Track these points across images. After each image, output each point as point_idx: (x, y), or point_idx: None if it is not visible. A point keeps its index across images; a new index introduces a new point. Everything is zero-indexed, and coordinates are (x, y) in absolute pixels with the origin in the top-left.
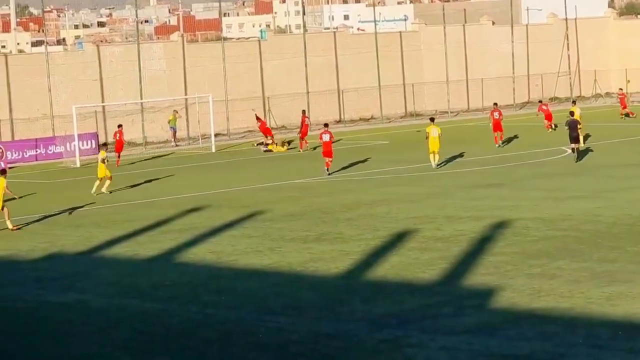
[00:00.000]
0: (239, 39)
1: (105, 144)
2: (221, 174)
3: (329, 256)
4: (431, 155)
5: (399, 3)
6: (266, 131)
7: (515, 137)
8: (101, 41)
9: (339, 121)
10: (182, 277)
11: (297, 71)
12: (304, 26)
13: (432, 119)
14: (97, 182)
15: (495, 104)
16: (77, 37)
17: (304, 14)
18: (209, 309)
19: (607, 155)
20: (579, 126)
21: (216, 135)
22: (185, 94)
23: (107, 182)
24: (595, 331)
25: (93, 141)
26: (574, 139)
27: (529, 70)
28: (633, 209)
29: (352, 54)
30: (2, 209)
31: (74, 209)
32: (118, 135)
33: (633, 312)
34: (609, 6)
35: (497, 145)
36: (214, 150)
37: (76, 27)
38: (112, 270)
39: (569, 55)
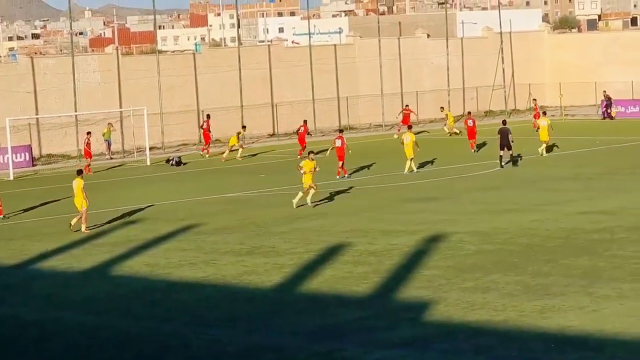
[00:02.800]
0: (174, 51)
1: (81, 171)
2: (156, 187)
3: (263, 269)
4: (407, 162)
5: (333, 16)
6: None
7: (451, 150)
8: (35, 53)
9: (273, 135)
10: (117, 289)
11: (232, 84)
12: (239, 39)
13: (409, 127)
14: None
15: (469, 112)
16: (10, 49)
17: (238, 27)
18: (144, 321)
19: (542, 168)
20: (510, 136)
21: (151, 148)
22: (120, 107)
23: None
24: (528, 344)
25: (27, 154)
26: (504, 146)
27: (464, 84)
28: (567, 222)
29: (286, 67)
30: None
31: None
32: (86, 142)
33: (566, 325)
34: (543, 20)
35: (472, 151)
36: (148, 163)
37: (10, 39)
38: (46, 283)
39: (503, 69)
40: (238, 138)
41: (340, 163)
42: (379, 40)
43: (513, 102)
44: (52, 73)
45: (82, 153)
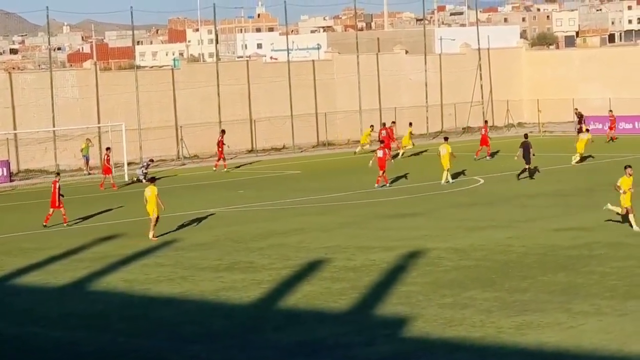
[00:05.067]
0: (152, 67)
1: (154, 178)
2: (134, 202)
3: (241, 285)
4: (444, 173)
5: (312, 32)
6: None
7: (428, 166)
8: (13, 68)
9: (251, 150)
10: (94, 305)
11: (210, 100)
12: (217, 55)
13: (445, 138)
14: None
15: (486, 121)
16: None
17: (217, 42)
18: (122, 337)
19: (520, 185)
20: (531, 150)
21: (129, 163)
22: (98, 122)
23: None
24: None
25: (4, 169)
26: (527, 159)
27: (442, 100)
28: (545, 239)
29: (264, 82)
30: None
31: None
32: (106, 158)
33: (544, 341)
34: (521, 37)
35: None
36: (126, 179)
37: None
38: (23, 298)
39: (481, 85)
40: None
41: (382, 172)
42: (357, 56)
43: (491, 119)
44: (30, 88)
45: (102, 169)
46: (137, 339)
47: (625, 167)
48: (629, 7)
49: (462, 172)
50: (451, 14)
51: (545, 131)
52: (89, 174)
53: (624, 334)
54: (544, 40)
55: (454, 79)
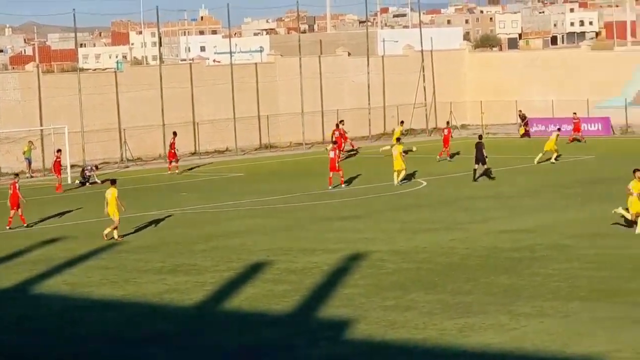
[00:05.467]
0: (95, 70)
1: (115, 180)
2: (78, 205)
3: (184, 287)
4: (394, 174)
5: (255, 34)
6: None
7: (372, 169)
8: None
9: (194, 153)
10: (37, 309)
11: (153, 103)
12: (160, 57)
13: (398, 139)
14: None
15: (448, 122)
16: None
17: (160, 45)
18: (64, 341)
19: (461, 187)
20: (484, 151)
21: (72, 166)
22: (41, 125)
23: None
24: None
25: None
26: (478, 160)
27: (385, 102)
28: (487, 241)
29: (208, 85)
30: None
31: None
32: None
33: (486, 343)
34: (465, 39)
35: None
36: (69, 181)
37: None
38: None
39: (424, 87)
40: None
41: (332, 173)
42: (300, 59)
43: (434, 121)
44: None
45: (53, 170)
46: (79, 342)
47: (635, 171)
48: (571, 10)
49: (413, 174)
50: (394, 16)
51: (488, 133)
52: (32, 176)
53: (566, 335)
54: (487, 42)
55: (397, 80)
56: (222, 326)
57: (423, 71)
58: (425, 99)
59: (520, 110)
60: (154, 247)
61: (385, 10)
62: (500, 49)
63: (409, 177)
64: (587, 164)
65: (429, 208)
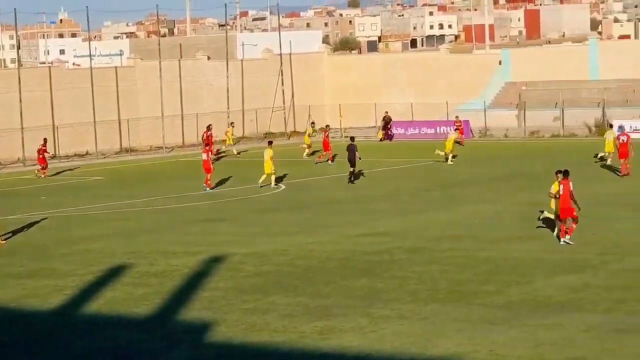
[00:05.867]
0: None
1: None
2: None
3: (43, 292)
4: (263, 176)
5: (115, 38)
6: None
7: (234, 172)
8: None
9: (54, 157)
10: None
11: (12, 106)
12: (19, 60)
13: (269, 142)
14: None
15: (327, 125)
16: None
17: (18, 47)
18: None
19: (322, 190)
20: (357, 153)
21: None
22: None
23: None
24: None
25: None
26: (351, 162)
27: (244, 105)
28: (346, 244)
29: (67, 88)
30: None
31: None
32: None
33: (346, 346)
34: (324, 42)
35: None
36: None
37: None
38: None
39: (283, 90)
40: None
41: (209, 175)
42: (160, 63)
43: (293, 124)
44: None
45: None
46: None
47: (556, 173)
48: (430, 13)
49: (282, 177)
50: (254, 20)
51: (347, 136)
52: None
53: (424, 337)
54: (347, 45)
55: (256, 84)
56: (81, 330)
57: (282, 75)
58: (284, 103)
59: (387, 112)
60: (13, 252)
61: (244, 14)
62: (360, 52)
63: (278, 179)
64: (445, 166)
65: (289, 211)
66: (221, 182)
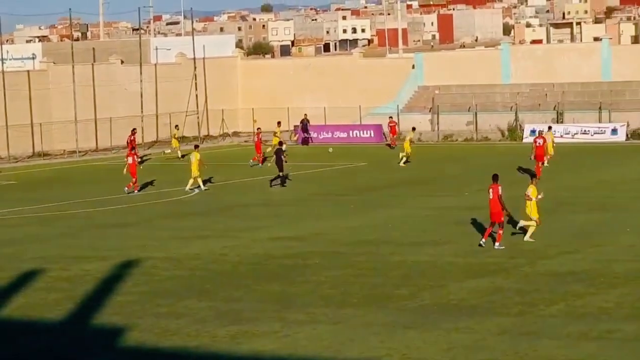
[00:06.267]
0: None
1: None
2: None
3: None
4: (191, 180)
5: (27, 41)
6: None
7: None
8: None
9: None
10: None
11: None
12: None
13: (195, 146)
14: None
15: (259, 128)
16: None
17: None
18: None
19: (234, 195)
20: (283, 157)
21: None
22: None
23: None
24: None
25: None
26: (278, 166)
27: (158, 110)
28: (259, 249)
29: None
30: None
31: None
32: None
33: (259, 350)
34: (237, 46)
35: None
36: None
37: None
38: None
39: (196, 95)
40: None
41: (135, 179)
42: (73, 67)
43: (206, 128)
44: None
45: None
46: None
47: (531, 177)
48: (344, 17)
49: (209, 180)
50: (167, 24)
51: (265, 140)
52: None
53: (337, 341)
54: (260, 49)
55: (170, 88)
56: None
57: (195, 79)
58: (197, 107)
59: (305, 115)
60: None
61: (158, 18)
62: (273, 57)
63: (204, 183)
64: (360, 171)
65: (202, 215)
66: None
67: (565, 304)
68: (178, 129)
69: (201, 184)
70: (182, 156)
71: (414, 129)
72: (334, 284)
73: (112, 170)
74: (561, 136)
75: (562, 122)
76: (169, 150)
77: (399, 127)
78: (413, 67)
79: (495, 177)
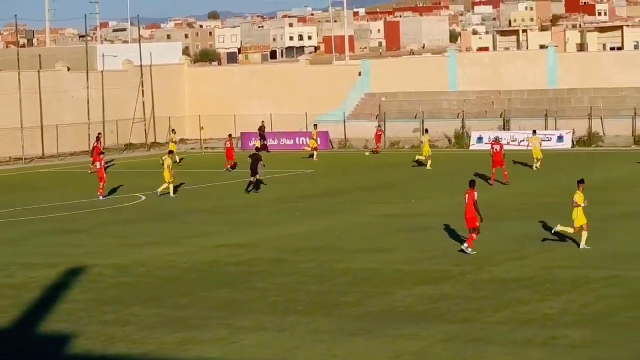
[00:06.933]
0: None
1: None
2: None
3: None
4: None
5: None
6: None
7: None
8: None
9: None
10: None
11: None
12: None
13: (170, 152)
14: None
15: (230, 135)
16: None
17: None
18: None
19: (183, 201)
20: (261, 162)
21: None
22: None
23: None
24: None
25: None
26: (253, 172)
27: (105, 117)
28: (206, 256)
29: None
30: None
31: None
32: None
33: (206, 357)
34: (184, 54)
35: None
36: None
37: None
38: None
39: (143, 102)
40: None
41: (102, 184)
42: (19, 74)
43: (153, 135)
44: None
45: None
46: None
47: (578, 183)
48: (291, 25)
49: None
50: (114, 31)
51: (207, 148)
52: None
53: (283, 348)
54: (207, 57)
55: (117, 95)
56: None
57: (142, 86)
58: (144, 114)
59: (263, 122)
60: None
61: (105, 25)
62: (220, 64)
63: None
64: (307, 178)
65: (148, 222)
66: (88, 194)
67: (511, 310)
68: (175, 133)
69: (171, 189)
70: (180, 161)
71: (427, 131)
72: (281, 291)
73: (59, 177)
74: (508, 143)
75: (509, 130)
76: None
77: (345, 134)
78: (360, 74)
79: (471, 184)
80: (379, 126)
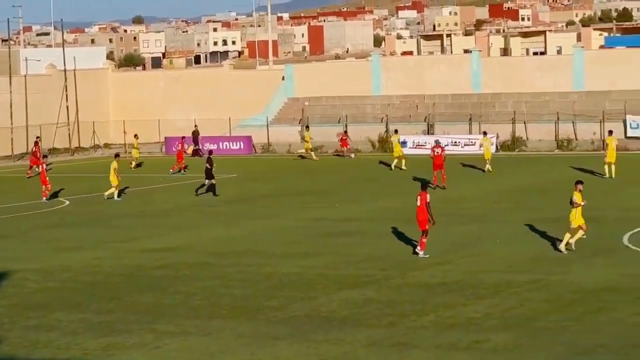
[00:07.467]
0: None
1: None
2: None
3: None
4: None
5: None
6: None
7: (22, 187)
8: None
9: None
10: None
11: None
12: None
13: (116, 155)
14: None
15: (183, 137)
16: None
17: None
18: None
19: (108, 206)
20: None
21: None
22: None
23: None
24: None
25: None
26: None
27: (28, 121)
28: (130, 260)
29: None
30: None
31: None
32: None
33: None
34: (108, 58)
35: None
36: None
37: None
38: None
39: (67, 107)
40: None
41: (44, 187)
42: None
43: (77, 140)
44: None
45: None
46: None
47: (576, 183)
48: (215, 29)
49: (123, 191)
50: (38, 34)
51: (130, 152)
52: None
53: (208, 352)
54: (131, 61)
55: (40, 100)
56: None
57: (66, 90)
58: (68, 119)
59: (196, 127)
60: None
61: (28, 29)
62: (144, 69)
63: (119, 193)
64: (229, 182)
65: (73, 226)
66: (11, 198)
67: (435, 314)
68: (137, 138)
69: (115, 194)
70: (138, 165)
71: (396, 131)
72: (204, 295)
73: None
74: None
75: (432, 134)
76: (134, 164)
77: (268, 138)
78: (283, 78)
79: (423, 185)
80: (345, 132)
